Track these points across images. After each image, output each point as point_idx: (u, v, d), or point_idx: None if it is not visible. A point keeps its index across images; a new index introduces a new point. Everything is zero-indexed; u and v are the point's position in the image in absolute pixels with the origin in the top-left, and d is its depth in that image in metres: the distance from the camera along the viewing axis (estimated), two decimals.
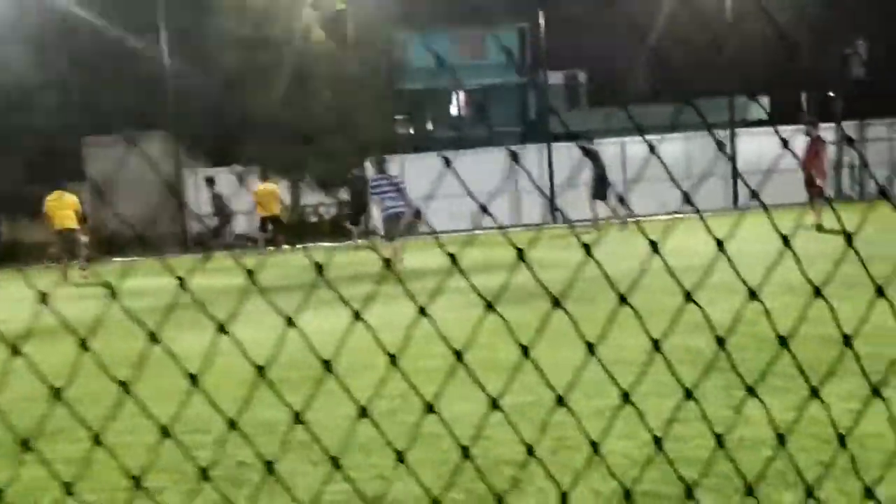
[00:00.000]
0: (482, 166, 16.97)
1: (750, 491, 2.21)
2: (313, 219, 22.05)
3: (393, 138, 23.33)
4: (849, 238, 1.62)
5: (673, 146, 15.81)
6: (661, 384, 3.64)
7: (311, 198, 21.67)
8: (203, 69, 19.49)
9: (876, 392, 1.94)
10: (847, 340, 1.78)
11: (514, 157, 1.67)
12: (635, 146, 18.78)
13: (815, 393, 1.85)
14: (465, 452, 1.84)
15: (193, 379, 1.32)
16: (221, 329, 1.27)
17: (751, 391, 1.91)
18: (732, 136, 19.20)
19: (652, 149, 1.67)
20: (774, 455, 2.80)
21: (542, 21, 20.78)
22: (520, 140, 28.57)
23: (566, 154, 19.44)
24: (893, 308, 1.76)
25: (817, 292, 1.77)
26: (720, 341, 1.70)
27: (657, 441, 1.90)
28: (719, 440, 1.99)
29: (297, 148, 18.82)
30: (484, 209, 1.43)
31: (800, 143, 16.42)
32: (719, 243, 1.64)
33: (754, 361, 4.26)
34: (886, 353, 3.92)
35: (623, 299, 1.64)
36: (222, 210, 16.94)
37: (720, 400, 3.67)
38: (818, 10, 19.78)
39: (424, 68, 28.18)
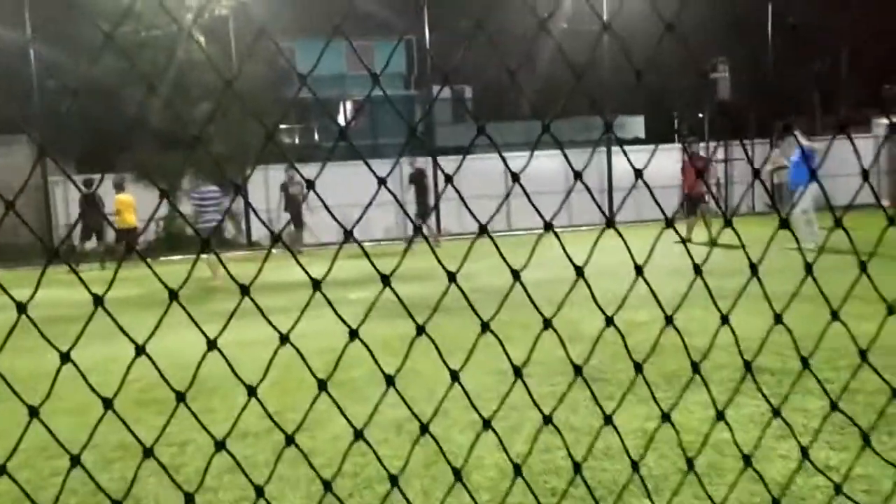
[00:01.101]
0: (369, 177, 16.92)
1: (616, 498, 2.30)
2: (189, 230, 21.30)
3: (277, 147, 22.89)
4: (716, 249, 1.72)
5: (552, 161, 16.30)
6: (535, 395, 3.73)
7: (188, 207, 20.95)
8: (75, 72, 18.51)
9: (717, 411, 2.06)
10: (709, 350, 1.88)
11: (421, 176, 1.68)
12: (518, 161, 19.30)
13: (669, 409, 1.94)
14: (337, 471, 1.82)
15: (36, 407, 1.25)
16: (65, 356, 1.21)
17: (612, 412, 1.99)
18: (609, 154, 20.02)
19: (515, 176, 1.72)
20: (638, 463, 2.92)
21: (427, 34, 20.98)
22: (406, 152, 28.72)
23: (450, 168, 19.73)
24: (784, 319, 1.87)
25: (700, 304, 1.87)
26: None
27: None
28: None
29: (176, 156, 18.18)
30: (344, 230, 1.43)
31: (674, 160, 17.31)
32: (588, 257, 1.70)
33: (626, 372, 4.43)
34: (740, 362, 4.18)
35: (532, 305, 1.68)
36: (91, 219, 16.12)
37: (590, 410, 3.80)
38: (687, 33, 20.89)
39: (311, 77, 27.80)
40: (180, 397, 1.30)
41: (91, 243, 16.38)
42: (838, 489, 1.92)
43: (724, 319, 1.71)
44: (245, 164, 18.17)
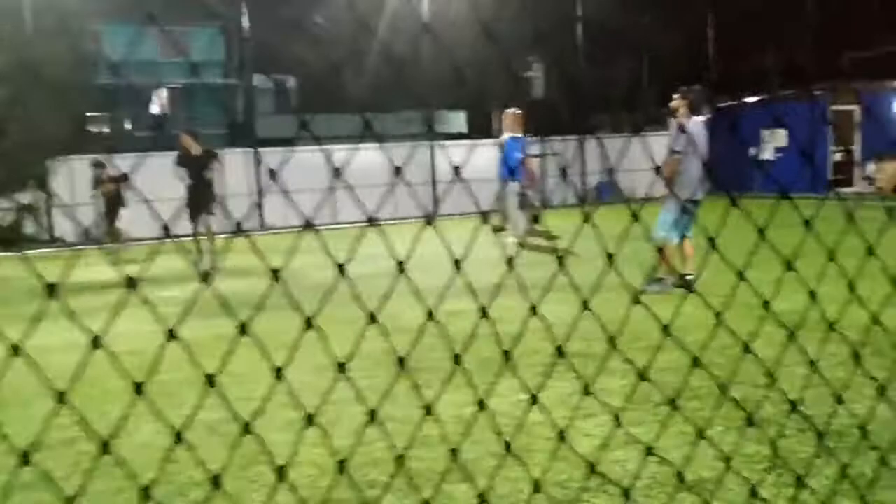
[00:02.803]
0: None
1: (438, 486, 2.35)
2: None
3: (83, 137, 21.31)
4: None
5: (378, 154, 16.34)
6: (355, 389, 3.73)
7: None
8: None
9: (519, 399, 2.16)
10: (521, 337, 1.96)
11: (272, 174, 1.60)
12: (341, 154, 19.17)
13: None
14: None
15: None
16: None
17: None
18: (432, 148, 20.39)
19: (337, 171, 1.70)
20: (457, 449, 3.01)
21: (245, 23, 20.32)
22: (227, 143, 27.72)
23: (273, 159, 19.22)
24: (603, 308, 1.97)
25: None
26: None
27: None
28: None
29: None
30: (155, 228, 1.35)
31: (491, 154, 17.88)
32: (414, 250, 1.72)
33: (442, 361, 4.54)
34: (551, 348, 4.41)
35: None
36: None
37: (411, 400, 3.86)
38: (504, 32, 21.76)
39: (122, 63, 26.13)
40: None
41: None
42: (650, 451, 2.08)
43: (533, 309, 1.79)
44: (47, 154, 16.78)
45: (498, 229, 11.71)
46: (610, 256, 1.85)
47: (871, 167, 17.25)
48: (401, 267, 1.66)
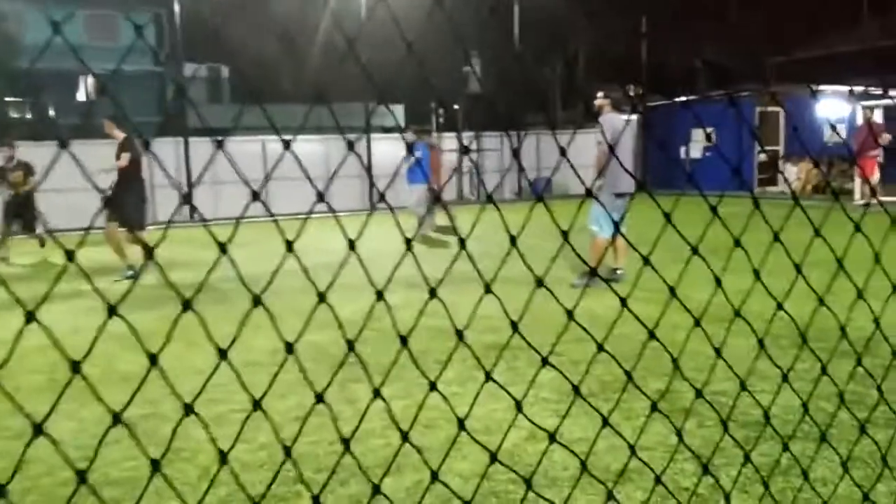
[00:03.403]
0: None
1: (379, 485, 2.33)
2: None
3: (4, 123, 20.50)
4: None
5: (312, 146, 16.16)
6: (287, 384, 3.67)
7: None
8: None
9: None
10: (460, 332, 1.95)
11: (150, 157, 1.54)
12: (275, 144, 18.88)
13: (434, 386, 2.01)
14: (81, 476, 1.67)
15: None
16: None
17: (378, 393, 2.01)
18: (368, 141, 20.26)
19: (287, 145, 1.67)
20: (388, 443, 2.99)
21: (177, 9, 19.80)
22: (157, 132, 27.03)
23: (204, 149, 18.81)
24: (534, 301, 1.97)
25: (433, 292, 1.92)
26: (350, 342, 1.76)
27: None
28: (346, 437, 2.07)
29: None
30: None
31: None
32: (351, 243, 1.69)
33: (374, 356, 4.52)
34: (484, 340, 4.44)
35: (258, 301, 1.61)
36: None
37: (339, 395, 3.83)
38: (440, 26, 21.71)
39: (46, 47, 25.16)
40: None
41: None
42: (553, 438, 2.09)
43: (484, 298, 1.79)
44: None
45: (439, 229, 11.80)
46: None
47: (789, 168, 17.90)
48: (349, 257, 1.63)
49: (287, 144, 1.64)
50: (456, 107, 22.22)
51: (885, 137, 13.65)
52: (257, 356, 4.45)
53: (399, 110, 33.10)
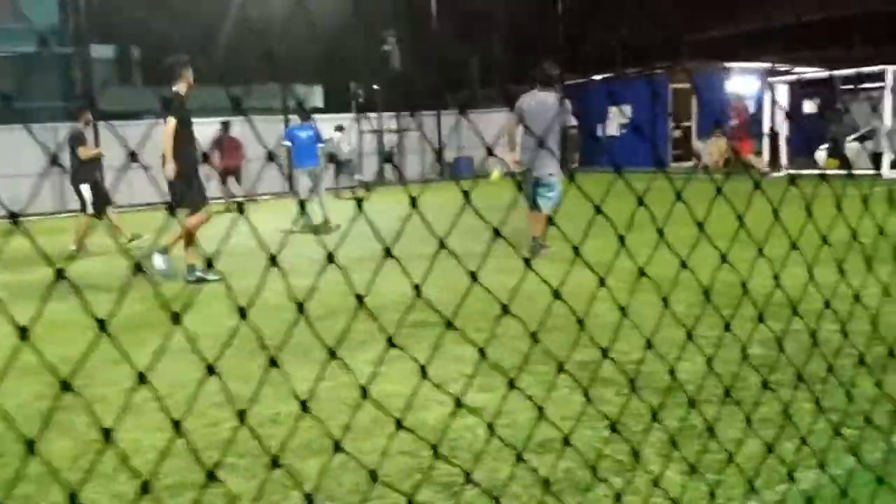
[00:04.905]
0: (18, 146, 14.79)
1: (274, 463, 2.30)
2: None
3: None
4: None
5: (232, 129, 15.82)
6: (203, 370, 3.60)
7: None
8: None
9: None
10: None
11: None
12: (204, 129, 18.42)
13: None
14: None
15: None
16: None
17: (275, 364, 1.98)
18: (287, 122, 19.90)
19: (134, 155, 1.61)
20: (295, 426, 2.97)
21: None
22: (65, 117, 25.89)
23: (115, 134, 18.14)
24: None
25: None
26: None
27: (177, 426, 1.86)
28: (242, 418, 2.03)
29: None
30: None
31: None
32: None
33: (295, 337, 4.46)
34: (412, 318, 4.44)
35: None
36: None
37: (263, 377, 3.78)
38: (361, 5, 21.53)
39: None
40: None
41: None
42: (459, 403, 2.12)
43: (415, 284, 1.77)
44: None
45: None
46: (497, 232, 1.87)
47: (699, 144, 18.47)
48: (274, 257, 1.60)
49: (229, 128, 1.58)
50: (375, 87, 22.03)
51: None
52: (176, 342, 4.34)
53: (318, 92, 32.58)
